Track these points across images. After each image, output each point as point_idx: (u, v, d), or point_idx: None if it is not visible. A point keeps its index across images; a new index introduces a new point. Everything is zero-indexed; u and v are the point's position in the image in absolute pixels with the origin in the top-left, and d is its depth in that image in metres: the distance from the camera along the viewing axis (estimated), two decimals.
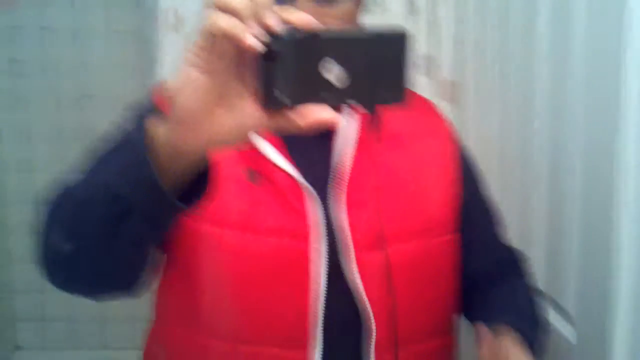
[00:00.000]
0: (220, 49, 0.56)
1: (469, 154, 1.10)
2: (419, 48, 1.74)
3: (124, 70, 2.24)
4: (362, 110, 0.96)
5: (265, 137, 0.92)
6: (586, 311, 1.03)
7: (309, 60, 0.56)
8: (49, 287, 2.37)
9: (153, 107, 0.93)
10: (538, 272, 1.21)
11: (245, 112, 0.59)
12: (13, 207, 2.34)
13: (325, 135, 0.95)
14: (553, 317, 1.15)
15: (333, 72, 0.56)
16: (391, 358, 0.95)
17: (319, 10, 0.86)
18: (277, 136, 0.93)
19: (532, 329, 0.99)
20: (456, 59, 1.75)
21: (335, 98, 0.57)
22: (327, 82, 0.56)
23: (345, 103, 0.58)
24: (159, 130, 0.63)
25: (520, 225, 1.32)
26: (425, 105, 1.10)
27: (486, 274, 1.09)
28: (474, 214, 1.06)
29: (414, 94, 1.08)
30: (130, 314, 2.39)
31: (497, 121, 1.49)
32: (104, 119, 2.13)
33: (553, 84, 1.16)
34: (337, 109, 0.57)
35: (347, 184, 0.94)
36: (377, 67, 0.58)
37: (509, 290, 1.07)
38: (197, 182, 0.68)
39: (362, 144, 0.97)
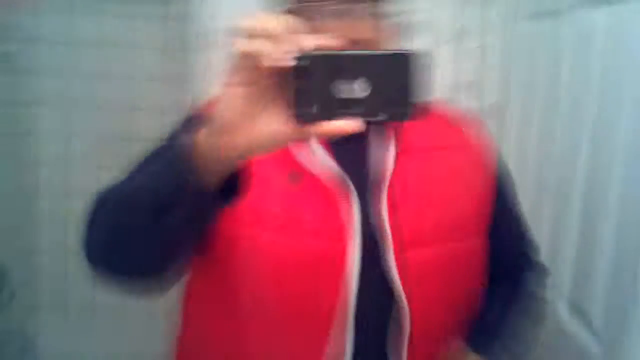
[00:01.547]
0: (260, 69, 0.63)
1: (505, 167, 1.17)
2: (467, 71, 1.83)
3: (164, 82, 2.37)
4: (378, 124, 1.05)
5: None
6: (610, 323, 1.09)
7: (334, 78, 0.64)
8: (71, 274, 2.38)
9: (200, 119, 1.01)
10: (566, 282, 1.28)
11: (278, 122, 0.66)
12: (44, 200, 2.43)
13: (362, 139, 1.04)
14: (576, 327, 1.20)
15: (359, 89, 0.64)
16: (423, 353, 1.01)
17: (341, 26, 0.94)
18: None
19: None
20: (503, 83, 1.83)
21: (361, 113, 0.64)
22: (351, 99, 0.64)
23: (368, 117, 0.65)
24: (203, 137, 0.71)
25: (552, 239, 1.39)
26: (462, 118, 1.17)
27: (496, 278, 1.15)
28: (502, 222, 1.13)
29: (456, 110, 1.17)
30: (149, 308, 2.44)
31: (538, 142, 1.58)
32: (141, 127, 2.28)
33: (600, 112, 1.23)
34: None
35: (387, 184, 1.01)
36: (397, 83, 0.64)
37: (505, 301, 1.16)
38: (233, 182, 0.76)
39: (403, 148, 1.04)
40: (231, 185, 0.76)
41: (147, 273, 0.89)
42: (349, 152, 1.01)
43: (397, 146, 1.03)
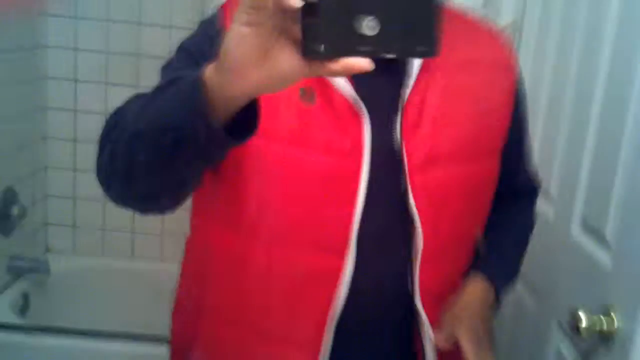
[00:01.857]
0: (267, 7, 0.62)
1: (524, 89, 1.16)
2: None
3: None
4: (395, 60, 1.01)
5: None
6: (624, 239, 1.09)
7: (346, 16, 0.61)
8: (81, 194, 2.47)
9: (220, 26, 1.00)
10: (580, 203, 1.27)
11: (288, 62, 0.65)
12: (51, 115, 2.42)
13: (395, 73, 1.02)
14: (591, 245, 1.22)
15: (369, 26, 0.61)
16: (432, 271, 1.02)
17: None
18: None
19: (506, 277, 1.16)
20: (520, 2, 1.79)
21: (369, 50, 0.62)
22: (364, 36, 0.62)
23: (379, 55, 0.63)
24: (210, 76, 0.71)
25: (567, 160, 1.39)
26: (493, 35, 1.15)
27: (501, 196, 1.16)
28: (510, 147, 1.13)
29: (485, 24, 1.15)
30: (158, 228, 2.48)
31: (554, 63, 1.55)
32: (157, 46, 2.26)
33: (620, 29, 1.21)
34: (372, 58, 0.64)
35: (404, 105, 1.00)
36: (411, 21, 0.63)
37: (509, 220, 1.20)
38: (246, 116, 0.76)
39: (425, 71, 1.01)
40: (243, 122, 0.76)
41: (157, 200, 0.92)
42: (374, 76, 0.99)
43: (420, 65, 1.01)
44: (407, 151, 0.99)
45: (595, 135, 1.26)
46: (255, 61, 0.66)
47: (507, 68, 1.11)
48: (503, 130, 1.09)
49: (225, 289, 1.05)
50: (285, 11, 0.63)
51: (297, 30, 0.64)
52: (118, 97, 0.90)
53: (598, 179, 1.23)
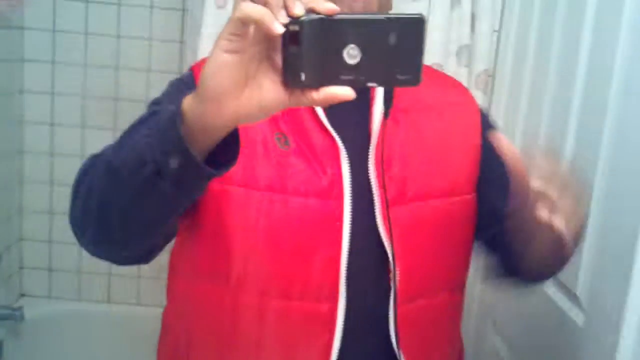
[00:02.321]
0: (249, 35, 0.62)
1: (492, 123, 1.18)
2: (459, 38, 1.83)
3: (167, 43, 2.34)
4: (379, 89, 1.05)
5: None
6: (596, 295, 1.12)
7: (328, 44, 0.62)
8: (57, 238, 2.42)
9: (192, 81, 1.01)
10: None
11: (269, 91, 0.65)
12: (28, 158, 2.41)
13: (362, 101, 1.03)
14: (561, 300, 1.23)
15: (352, 55, 0.62)
16: (407, 310, 1.02)
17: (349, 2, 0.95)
18: None
19: None
20: (494, 50, 1.84)
21: (353, 80, 0.62)
22: (346, 65, 0.62)
23: (361, 84, 0.63)
24: (189, 104, 0.70)
25: None
26: (453, 82, 1.21)
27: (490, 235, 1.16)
28: (497, 177, 1.10)
29: (445, 74, 1.20)
30: (134, 271, 2.47)
31: (527, 113, 1.58)
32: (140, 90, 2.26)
33: (589, 82, 1.25)
34: (354, 88, 0.64)
35: (376, 146, 1.01)
36: (394, 50, 0.62)
37: None
38: (224, 151, 0.74)
39: (395, 110, 1.05)
40: (221, 154, 0.75)
41: (133, 245, 0.90)
42: (346, 112, 0.99)
43: (387, 105, 1.04)
44: (379, 189, 1.00)
45: None
46: (235, 89, 0.65)
47: (468, 107, 1.15)
48: (474, 163, 1.10)
49: (213, 348, 1.03)
50: (267, 39, 0.63)
51: (278, 58, 0.64)
52: (95, 140, 0.89)
53: None
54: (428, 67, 1.16)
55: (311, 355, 0.99)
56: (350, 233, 0.98)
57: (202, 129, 0.70)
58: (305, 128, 1.00)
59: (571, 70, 1.31)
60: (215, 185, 0.95)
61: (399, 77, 0.64)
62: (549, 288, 1.31)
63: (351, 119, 1.03)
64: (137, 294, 2.50)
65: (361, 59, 0.62)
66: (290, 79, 0.64)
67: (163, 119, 0.72)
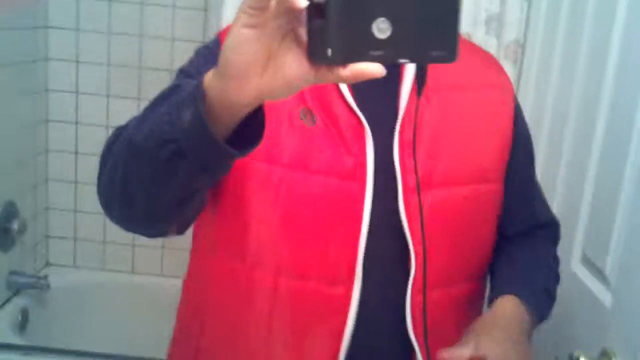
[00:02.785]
0: (270, 8, 0.58)
1: (523, 115, 1.15)
2: (488, 7, 1.77)
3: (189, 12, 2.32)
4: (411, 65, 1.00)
5: None
6: (624, 276, 1.08)
7: (356, 17, 0.57)
8: (81, 207, 2.46)
9: (219, 49, 0.98)
10: (580, 234, 1.26)
11: (293, 67, 0.62)
12: (53, 127, 2.43)
13: (391, 78, 0.99)
14: (589, 280, 1.20)
15: (381, 29, 0.57)
16: (435, 300, 1.00)
17: None
18: None
19: (538, 299, 1.08)
20: (524, 19, 1.78)
21: (383, 56, 0.58)
22: (376, 39, 0.57)
23: (391, 60, 0.59)
24: (211, 83, 0.67)
25: (568, 188, 1.38)
26: (489, 59, 1.16)
27: (517, 231, 1.15)
28: (518, 172, 1.12)
29: (480, 48, 1.15)
30: (159, 242, 2.48)
31: (558, 84, 1.53)
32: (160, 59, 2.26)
33: (625, 50, 1.20)
34: (385, 64, 0.59)
35: (401, 127, 0.99)
36: (427, 23, 0.58)
37: (531, 254, 1.15)
38: (248, 129, 0.72)
39: (426, 88, 1.01)
40: (246, 132, 0.72)
41: (159, 220, 0.88)
42: (375, 92, 0.98)
43: (416, 86, 1.00)
44: (402, 172, 0.98)
45: (597, 168, 1.25)
46: (257, 66, 0.62)
47: (503, 91, 1.11)
48: (504, 151, 1.07)
49: (227, 323, 1.03)
50: (290, 12, 0.59)
51: (302, 33, 0.61)
52: (120, 110, 0.87)
53: (599, 214, 1.22)
54: (465, 41, 1.11)
55: (323, 338, 0.98)
56: (370, 216, 0.96)
57: (224, 106, 0.67)
58: (331, 105, 0.97)
59: (605, 39, 1.26)
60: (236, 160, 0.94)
61: (433, 52, 0.59)
62: (577, 268, 1.28)
63: (379, 97, 1.00)
64: (161, 264, 2.52)
65: (392, 33, 0.57)
66: (315, 54, 0.60)
67: (184, 95, 0.70)
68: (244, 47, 0.61)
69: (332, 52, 0.58)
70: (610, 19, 1.24)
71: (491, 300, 1.07)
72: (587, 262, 1.24)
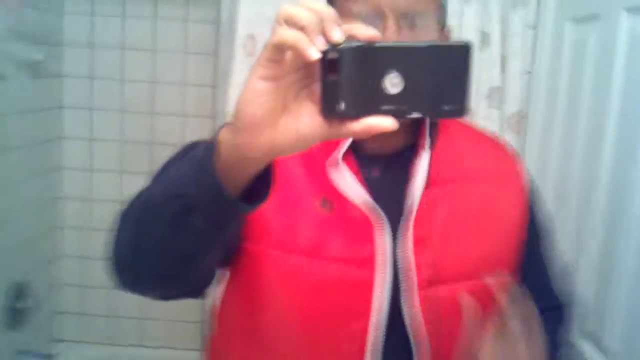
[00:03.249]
0: (286, 61, 0.60)
1: (539, 197, 1.12)
2: (490, 80, 1.81)
3: (198, 88, 2.39)
4: (422, 120, 0.99)
5: (346, 165, 0.97)
6: (629, 352, 1.07)
7: (369, 72, 0.58)
8: (91, 282, 2.44)
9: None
10: (585, 308, 1.25)
11: (307, 120, 0.62)
12: (65, 204, 2.47)
13: (403, 171, 1.00)
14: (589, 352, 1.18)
15: (394, 84, 0.59)
16: None
17: (401, 35, 0.91)
18: (357, 166, 0.98)
19: None
20: (525, 91, 1.81)
21: (395, 110, 0.59)
22: (388, 94, 0.59)
23: (403, 114, 0.60)
24: (225, 137, 0.67)
25: (572, 258, 1.37)
26: (499, 147, 1.13)
27: None
28: (533, 259, 1.08)
29: (489, 134, 1.13)
30: (169, 315, 2.47)
31: (560, 153, 1.55)
32: (165, 132, 2.31)
33: (623, 121, 1.21)
34: (397, 118, 0.60)
35: (414, 219, 0.96)
36: (439, 78, 0.59)
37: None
38: (260, 186, 0.72)
39: (435, 181, 1.00)
40: (257, 188, 0.72)
41: (168, 277, 0.86)
42: (383, 180, 0.98)
43: (428, 176, 0.99)
44: (417, 265, 0.95)
45: (601, 236, 1.25)
46: (271, 118, 0.62)
47: (516, 179, 1.08)
48: (517, 245, 1.05)
49: None
50: (306, 67, 0.60)
51: (316, 88, 0.61)
52: (132, 185, 0.88)
53: (600, 286, 1.21)
54: (476, 129, 1.11)
55: None
56: (385, 309, 0.95)
57: (237, 161, 0.67)
58: (346, 194, 0.96)
59: (604, 111, 1.27)
60: (251, 246, 0.95)
61: (444, 107, 0.60)
62: (576, 339, 1.26)
63: (390, 184, 0.99)
64: (171, 337, 2.50)
65: (403, 88, 0.59)
66: (328, 108, 0.61)
67: (199, 151, 0.71)
68: (258, 99, 0.62)
69: (345, 106, 0.59)
70: (607, 92, 1.27)
71: None
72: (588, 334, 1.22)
